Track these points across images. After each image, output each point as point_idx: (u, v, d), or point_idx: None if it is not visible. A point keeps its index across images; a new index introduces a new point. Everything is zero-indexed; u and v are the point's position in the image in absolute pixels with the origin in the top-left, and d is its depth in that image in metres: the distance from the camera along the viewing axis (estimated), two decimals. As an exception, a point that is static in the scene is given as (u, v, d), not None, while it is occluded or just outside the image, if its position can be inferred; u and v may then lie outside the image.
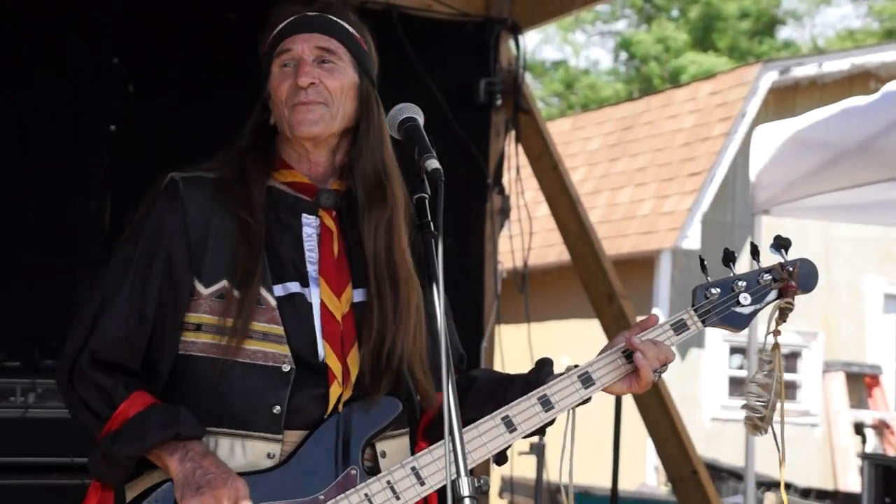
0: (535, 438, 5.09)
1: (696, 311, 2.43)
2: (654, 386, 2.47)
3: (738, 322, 2.46)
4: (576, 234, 6.18)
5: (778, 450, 2.47)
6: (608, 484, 6.10)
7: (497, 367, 5.20)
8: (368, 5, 5.68)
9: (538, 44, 29.23)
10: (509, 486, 6.69)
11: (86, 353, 2.26)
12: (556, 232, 6.53)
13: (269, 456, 2.25)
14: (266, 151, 2.38)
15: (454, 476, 1.99)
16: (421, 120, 2.31)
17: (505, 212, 6.04)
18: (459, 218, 5.60)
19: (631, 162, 13.77)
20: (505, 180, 6.09)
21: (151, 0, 5.40)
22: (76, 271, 4.91)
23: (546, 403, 2.33)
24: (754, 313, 2.47)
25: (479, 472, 2.17)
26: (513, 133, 6.11)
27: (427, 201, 2.15)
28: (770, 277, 2.47)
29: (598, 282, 6.07)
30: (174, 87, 5.39)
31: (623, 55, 27.80)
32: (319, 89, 2.33)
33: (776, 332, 2.44)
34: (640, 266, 12.68)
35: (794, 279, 2.45)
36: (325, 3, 2.41)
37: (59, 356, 2.33)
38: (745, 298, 2.45)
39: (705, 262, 2.50)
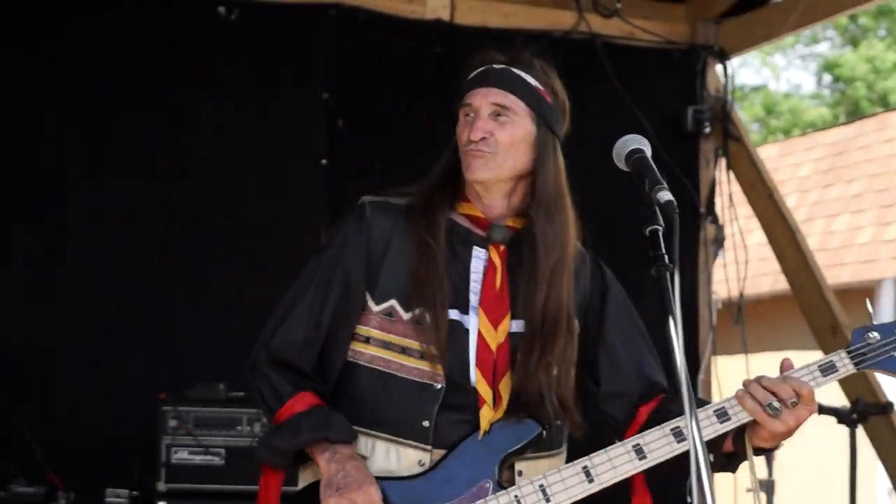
0: (765, 475, 4.89)
1: (849, 353, 2.41)
2: (887, 418, 2.37)
3: None
4: (795, 264, 5.98)
5: None
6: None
7: (715, 400, 5.03)
8: (572, 36, 5.68)
9: (736, 68, 28.59)
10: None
11: (265, 352, 2.51)
12: (768, 261, 6.32)
13: (419, 463, 2.43)
14: (453, 187, 2.55)
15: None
16: (648, 151, 2.37)
17: (719, 241, 5.90)
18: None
19: (846, 188, 13.34)
20: (716, 209, 5.96)
21: (359, 36, 5.50)
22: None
23: (639, 452, 2.40)
24: None
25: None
26: (723, 161, 5.98)
27: (661, 234, 2.22)
28: None
29: (820, 313, 5.85)
30: (383, 122, 5.47)
31: (826, 78, 26.95)
32: (489, 142, 2.47)
33: None
34: (861, 296, 12.20)
35: None
36: (513, 56, 2.53)
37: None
38: None
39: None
